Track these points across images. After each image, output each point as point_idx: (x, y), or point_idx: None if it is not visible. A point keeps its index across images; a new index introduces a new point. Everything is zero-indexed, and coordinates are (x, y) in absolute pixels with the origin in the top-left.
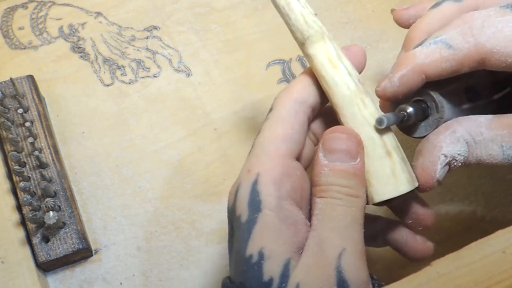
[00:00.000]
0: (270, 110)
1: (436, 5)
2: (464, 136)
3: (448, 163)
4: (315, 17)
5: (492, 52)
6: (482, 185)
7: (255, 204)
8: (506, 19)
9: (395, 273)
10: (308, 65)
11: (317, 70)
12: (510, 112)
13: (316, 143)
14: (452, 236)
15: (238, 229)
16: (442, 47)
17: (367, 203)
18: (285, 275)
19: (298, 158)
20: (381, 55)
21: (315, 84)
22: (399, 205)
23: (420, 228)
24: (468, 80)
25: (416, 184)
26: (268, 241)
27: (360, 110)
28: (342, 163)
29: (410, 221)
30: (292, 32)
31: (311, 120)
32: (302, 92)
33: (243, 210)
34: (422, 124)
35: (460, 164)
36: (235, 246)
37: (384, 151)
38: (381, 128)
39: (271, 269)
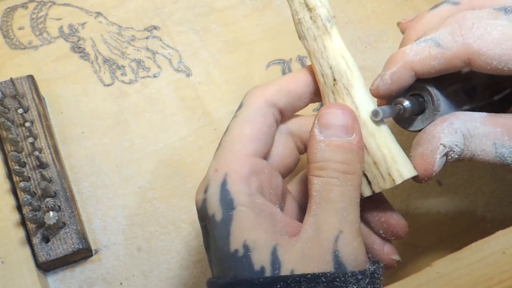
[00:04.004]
0: (240, 106)
1: (434, 7)
2: (461, 128)
3: (446, 154)
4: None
5: (479, 53)
6: (482, 185)
7: (227, 203)
8: (496, 22)
9: (395, 273)
10: (307, 63)
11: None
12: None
13: (295, 143)
14: (452, 236)
15: (214, 228)
16: (431, 45)
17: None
18: (275, 262)
19: (266, 158)
20: (381, 55)
21: (290, 90)
22: (369, 215)
23: (393, 239)
24: (468, 80)
25: (416, 173)
26: (249, 233)
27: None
28: (339, 138)
29: (382, 231)
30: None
31: (280, 122)
32: (274, 95)
33: (215, 209)
34: (419, 117)
35: (456, 156)
36: (215, 245)
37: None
38: (376, 120)
39: (260, 258)
